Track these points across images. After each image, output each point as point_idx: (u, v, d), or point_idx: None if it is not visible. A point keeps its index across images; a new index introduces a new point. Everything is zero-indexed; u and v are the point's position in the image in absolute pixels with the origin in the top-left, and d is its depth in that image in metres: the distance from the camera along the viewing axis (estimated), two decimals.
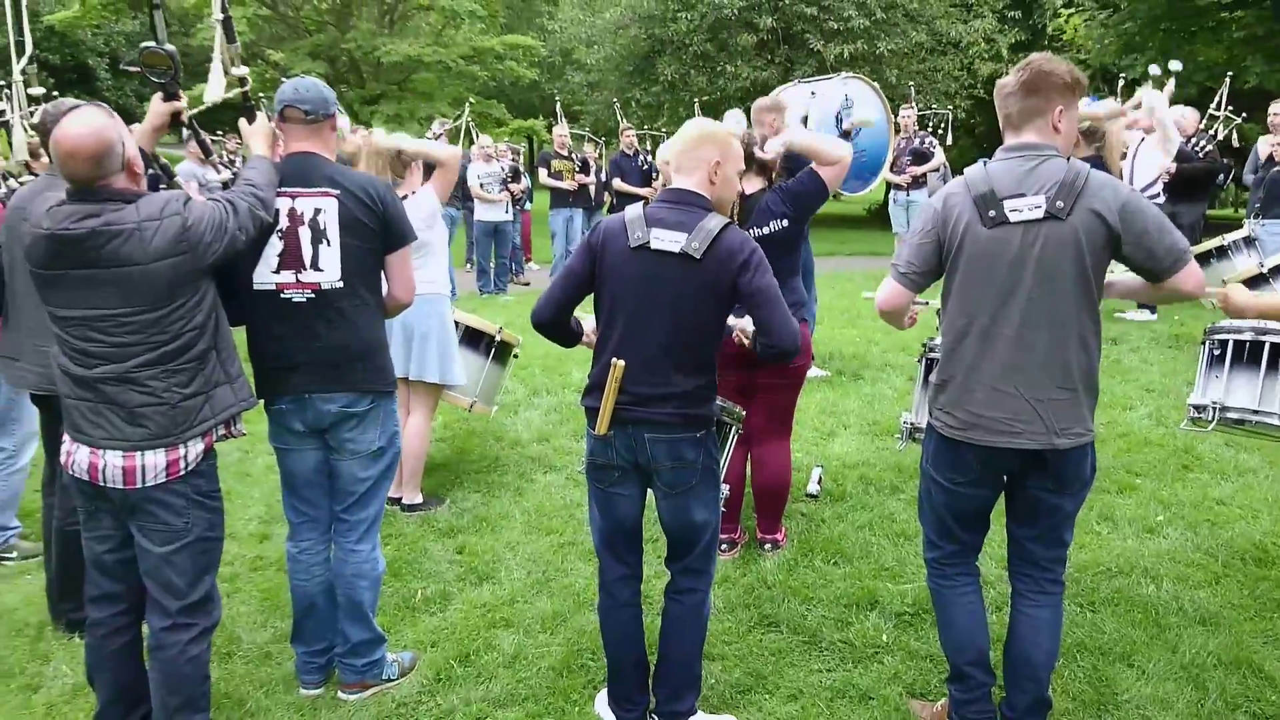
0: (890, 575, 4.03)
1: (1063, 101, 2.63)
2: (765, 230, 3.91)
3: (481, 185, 11.65)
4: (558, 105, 15.57)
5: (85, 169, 2.56)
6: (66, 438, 2.74)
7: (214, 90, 3.30)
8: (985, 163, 2.70)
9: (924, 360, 3.86)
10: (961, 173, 2.76)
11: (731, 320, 2.98)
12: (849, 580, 3.98)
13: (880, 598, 3.81)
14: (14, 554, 4.43)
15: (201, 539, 2.80)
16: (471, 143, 13.07)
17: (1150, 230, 2.54)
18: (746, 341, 3.02)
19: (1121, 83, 12.64)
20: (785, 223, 3.91)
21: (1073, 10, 18.60)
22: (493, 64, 25.42)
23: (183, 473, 2.70)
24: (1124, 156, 7.54)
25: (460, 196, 12.55)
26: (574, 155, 12.64)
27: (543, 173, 12.26)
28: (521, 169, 13.42)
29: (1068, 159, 2.61)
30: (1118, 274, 2.79)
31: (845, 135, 6.55)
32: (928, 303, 3.16)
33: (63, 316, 2.62)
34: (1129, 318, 8.69)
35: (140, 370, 2.62)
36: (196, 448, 2.72)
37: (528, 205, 13.82)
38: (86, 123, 2.57)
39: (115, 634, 2.89)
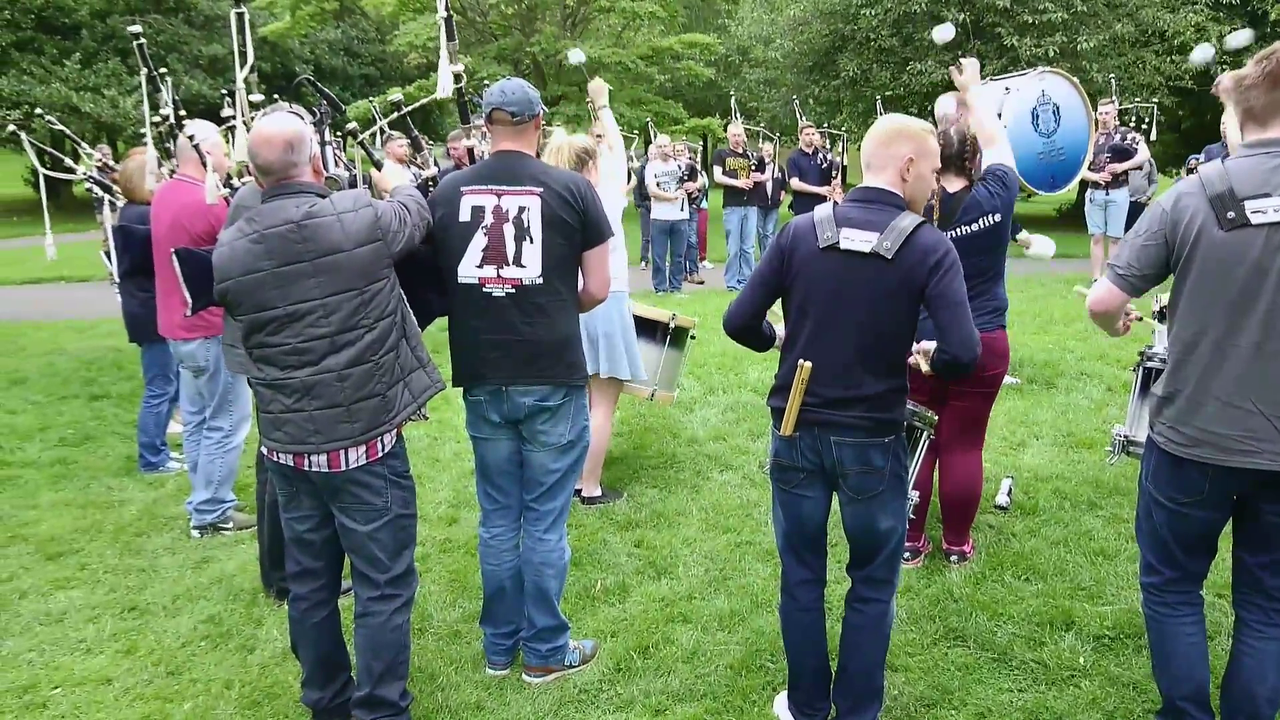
0: (1087, 595, 3.81)
1: None
2: (975, 227, 3.78)
3: (658, 184, 11.76)
4: (733, 102, 15.54)
5: (277, 154, 2.75)
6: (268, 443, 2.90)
7: (444, 85, 3.49)
8: (1224, 160, 2.50)
9: (1140, 370, 3.62)
10: (1165, 171, 2.56)
11: (915, 345, 2.89)
12: (1042, 598, 3.79)
13: (1076, 618, 3.61)
14: (230, 525, 4.80)
15: (400, 516, 2.95)
16: (649, 142, 13.22)
17: None
18: (925, 367, 2.92)
19: None
20: (997, 218, 3.77)
21: None
22: (670, 64, 25.63)
23: (380, 455, 2.85)
24: None
25: (638, 195, 12.75)
26: (749, 153, 12.57)
27: (718, 170, 12.25)
28: (698, 167, 13.46)
29: None
30: None
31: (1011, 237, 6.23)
32: (1142, 318, 2.96)
33: (274, 318, 2.74)
34: None
35: (353, 366, 2.76)
36: (394, 433, 2.88)
37: (703, 203, 13.86)
38: (281, 118, 2.83)
39: (315, 608, 3.07)
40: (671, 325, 5.20)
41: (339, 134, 3.63)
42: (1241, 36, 4.84)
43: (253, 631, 3.80)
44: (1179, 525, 2.65)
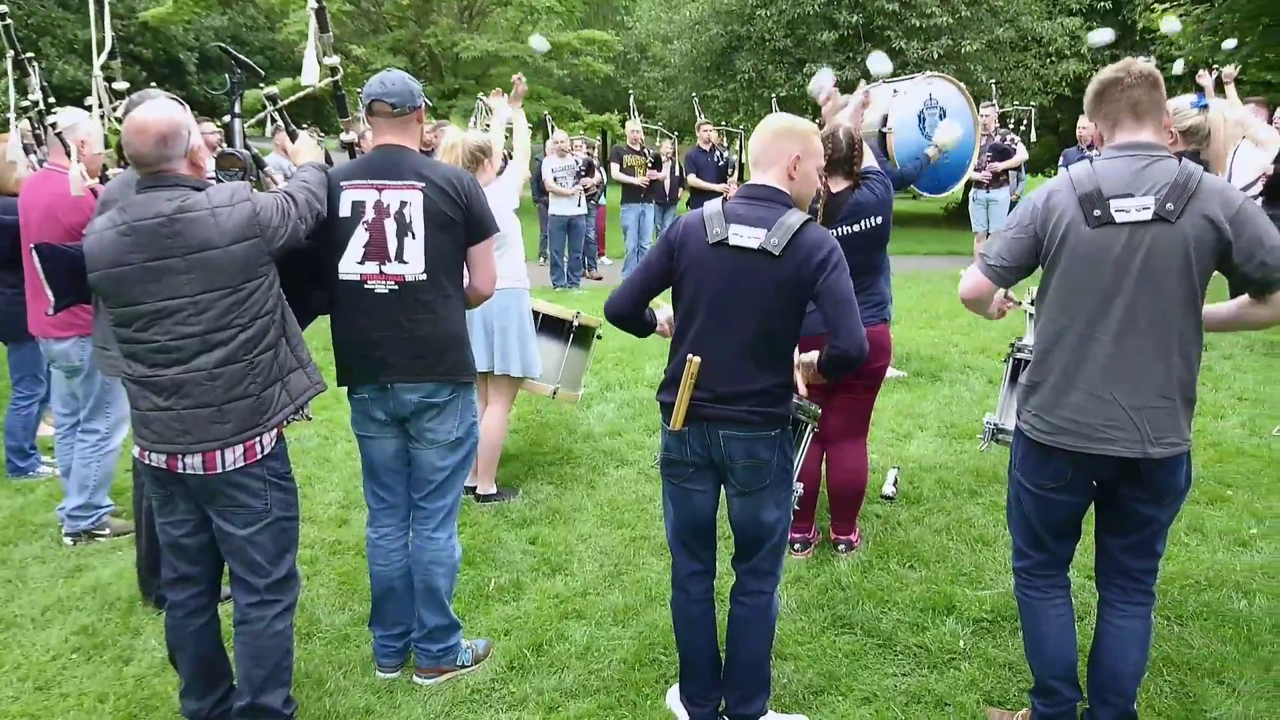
0: (968, 581, 3.95)
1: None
2: (859, 227, 3.88)
3: (555, 179, 11.71)
4: (631, 100, 15.59)
5: (152, 146, 2.64)
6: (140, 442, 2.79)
7: (309, 75, 3.39)
8: (1092, 160, 2.61)
9: (1011, 361, 3.77)
10: (1043, 171, 2.68)
11: (798, 357, 2.96)
12: (925, 584, 3.91)
13: (957, 603, 3.74)
14: (107, 531, 4.60)
15: (280, 519, 2.87)
16: (546, 137, 13.16)
17: (1262, 238, 2.43)
18: (802, 387, 3.00)
19: (1214, 77, 12.17)
20: (879, 220, 3.88)
21: (1166, 6, 17.98)
22: (569, 60, 25.55)
23: (259, 457, 2.77)
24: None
25: (535, 190, 12.68)
26: (646, 150, 12.64)
27: (615, 168, 12.29)
28: (595, 163, 13.47)
29: (1179, 160, 2.51)
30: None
31: (925, 161, 6.46)
32: (1020, 303, 3.08)
33: (141, 314, 2.64)
34: None
35: (225, 366, 2.67)
36: (273, 434, 2.80)
37: (601, 200, 13.87)
38: (157, 106, 2.71)
39: (193, 615, 2.97)
40: (575, 324, 5.18)
41: (221, 125, 3.49)
42: (1103, 35, 5.10)
43: (129, 642, 3.65)
44: (1046, 511, 2.76)
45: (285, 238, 2.76)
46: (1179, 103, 3.16)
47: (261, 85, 4.09)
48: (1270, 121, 8.71)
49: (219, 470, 2.72)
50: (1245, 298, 2.61)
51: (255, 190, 2.79)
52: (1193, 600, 3.76)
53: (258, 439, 2.76)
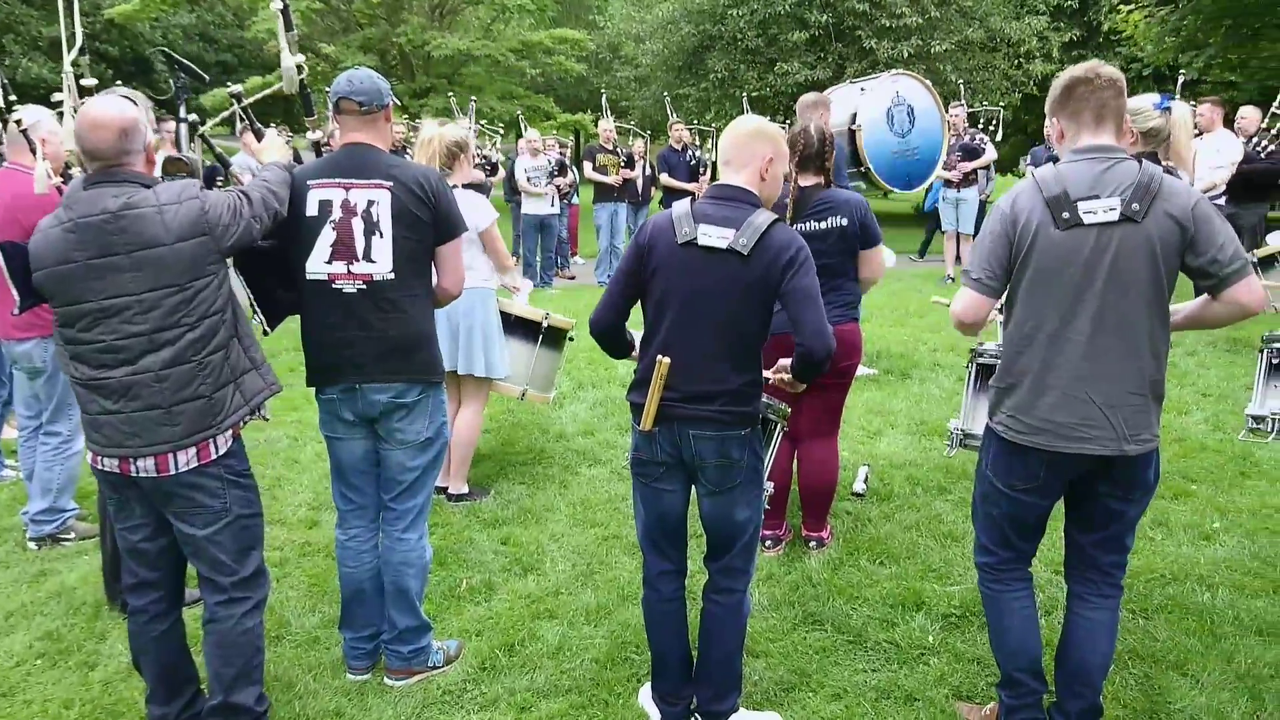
0: (937, 576, 3.99)
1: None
2: (824, 225, 3.90)
3: (528, 179, 11.69)
4: (604, 100, 15.58)
5: (108, 140, 2.60)
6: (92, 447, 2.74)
7: (290, 82, 3.37)
8: (1056, 163, 2.64)
9: (973, 365, 3.79)
10: (1012, 170, 2.70)
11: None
12: (895, 580, 3.94)
13: (926, 599, 3.77)
14: (72, 535, 4.54)
15: (241, 516, 2.82)
16: (519, 136, 13.13)
17: (1215, 236, 2.48)
18: (782, 384, 3.03)
19: (1180, 81, 12.35)
20: (844, 221, 3.90)
21: (1132, 7, 18.22)
22: (541, 58, 25.49)
23: (214, 457, 2.73)
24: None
25: (508, 189, 12.64)
26: (619, 150, 12.64)
27: (587, 167, 12.28)
28: (568, 163, 13.45)
29: (1140, 161, 2.55)
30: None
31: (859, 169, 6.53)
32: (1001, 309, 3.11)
33: (85, 313, 2.59)
34: None
35: (173, 367, 2.62)
36: (228, 435, 2.76)
37: (574, 199, 13.86)
38: (114, 101, 2.68)
39: (155, 620, 2.93)
40: (545, 325, 5.16)
41: (184, 121, 3.45)
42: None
43: (95, 647, 3.60)
44: (1016, 510, 2.79)
45: (236, 237, 2.71)
46: (1141, 103, 3.20)
47: (227, 83, 4.06)
48: (1230, 123, 8.85)
49: (172, 472, 2.67)
50: (1204, 297, 2.65)
51: (207, 190, 2.75)
52: (1157, 594, 3.81)
53: (211, 441, 2.71)
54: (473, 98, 17.50)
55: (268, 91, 3.45)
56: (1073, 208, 2.52)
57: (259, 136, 3.33)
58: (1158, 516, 4.51)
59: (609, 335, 2.96)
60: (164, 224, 2.59)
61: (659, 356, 2.74)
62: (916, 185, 8.91)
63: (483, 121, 17.33)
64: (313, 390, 3.19)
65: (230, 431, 2.77)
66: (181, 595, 3.01)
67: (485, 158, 12.32)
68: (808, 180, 4.00)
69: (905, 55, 18.66)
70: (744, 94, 18.17)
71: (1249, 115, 8.96)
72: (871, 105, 8.03)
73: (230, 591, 2.85)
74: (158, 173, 3.01)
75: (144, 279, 2.58)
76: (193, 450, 2.68)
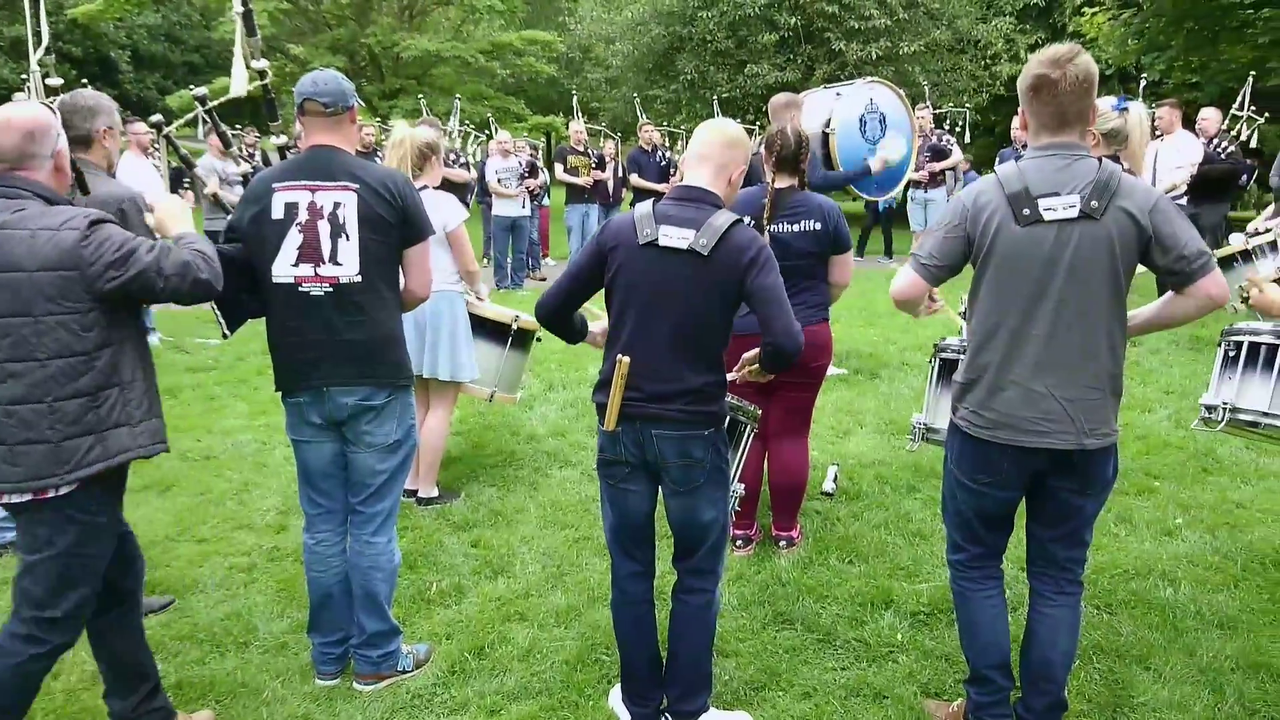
0: (906, 575, 4.02)
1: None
2: (798, 227, 3.93)
3: (499, 180, 11.66)
4: (575, 101, 15.59)
5: (12, 141, 2.50)
6: None
7: (238, 84, 3.33)
8: (1018, 160, 2.67)
9: (936, 361, 3.84)
10: (979, 170, 2.73)
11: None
12: (864, 579, 3.97)
13: (895, 597, 3.80)
14: None
15: (69, 554, 2.59)
16: (490, 138, 13.10)
17: (1179, 233, 2.51)
18: (742, 371, 3.05)
19: (1143, 83, 12.54)
20: (818, 225, 3.93)
21: (1096, 9, 18.47)
22: (511, 60, 25.45)
23: (51, 497, 2.53)
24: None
25: (479, 191, 12.61)
26: (590, 151, 12.65)
27: (559, 168, 12.28)
28: (539, 164, 13.44)
29: (1099, 160, 2.58)
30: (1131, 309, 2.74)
31: (866, 172, 6.62)
32: (944, 303, 3.15)
33: None
34: None
35: (19, 404, 2.46)
36: (72, 486, 2.54)
37: (545, 201, 13.84)
38: (31, 105, 2.59)
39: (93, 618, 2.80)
40: (514, 327, 5.15)
41: (152, 125, 3.41)
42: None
43: None
44: (981, 504, 2.82)
45: (119, 284, 2.47)
46: (1101, 105, 3.24)
47: (192, 86, 4.03)
48: (1191, 124, 8.99)
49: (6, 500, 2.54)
50: (1169, 295, 2.69)
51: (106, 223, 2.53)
52: (1121, 589, 3.86)
53: (53, 489, 2.51)
54: (457, 97, 17.44)
55: (229, 97, 3.42)
56: (1033, 204, 2.55)
57: (224, 139, 3.30)
58: (1121, 513, 4.57)
59: (553, 323, 2.98)
60: (31, 249, 2.43)
61: (619, 356, 2.75)
62: (889, 190, 9.02)
63: (468, 122, 17.30)
64: (280, 394, 3.16)
65: (77, 484, 2.54)
66: (116, 598, 2.87)
67: (456, 155, 12.29)
68: (783, 182, 4.02)
69: (874, 57, 18.82)
70: (714, 95, 18.25)
71: (1209, 117, 9.11)
72: (845, 111, 8.11)
73: (31, 627, 2.61)
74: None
75: (4, 301, 2.43)
76: (27, 496, 2.51)
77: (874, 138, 8.25)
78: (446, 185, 8.51)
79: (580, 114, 14.46)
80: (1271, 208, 7.64)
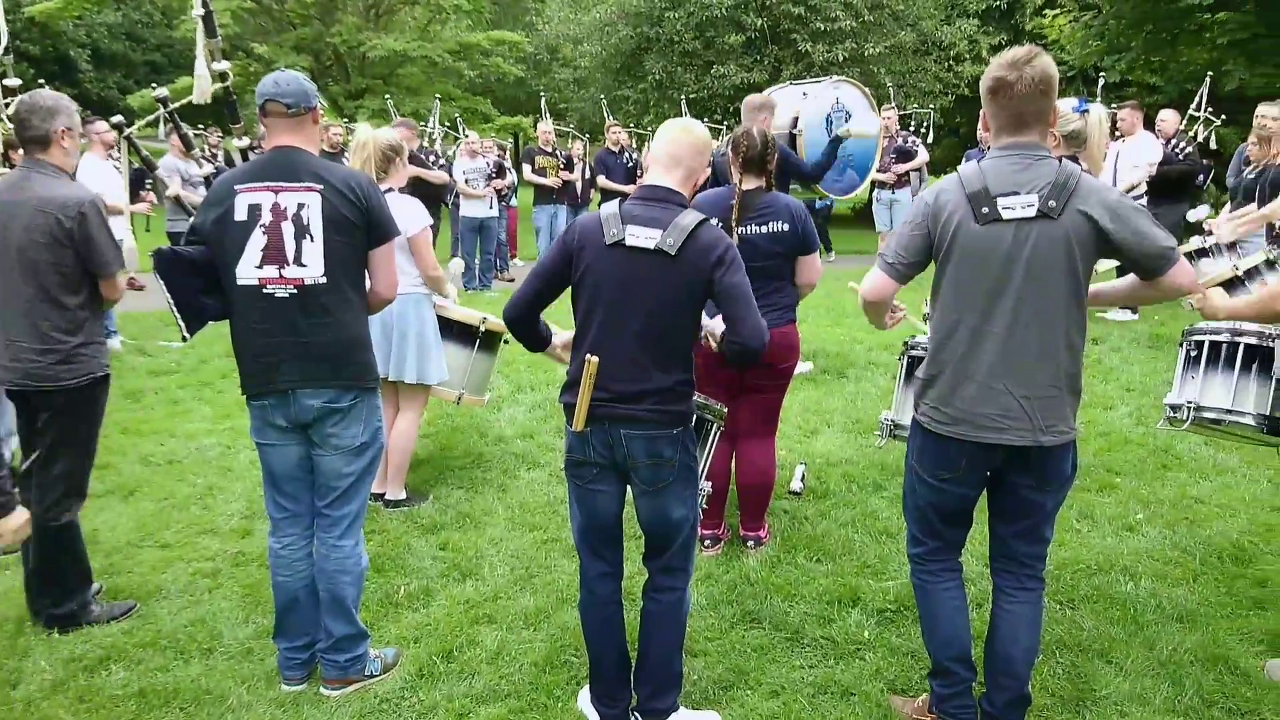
0: (872, 573, 4.05)
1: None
2: (766, 229, 3.94)
3: (467, 181, 11.61)
4: (543, 102, 15.55)
5: None
6: None
7: (201, 89, 3.29)
8: (979, 160, 2.71)
9: (905, 358, 3.88)
10: (939, 173, 2.76)
11: (705, 321, 3.00)
12: (831, 577, 4.00)
13: (862, 595, 3.83)
14: None
15: None
16: (458, 138, 13.04)
17: (1142, 230, 2.55)
18: (714, 344, 3.05)
19: (1101, 83, 12.71)
20: (785, 226, 3.95)
21: (1057, 11, 18.70)
22: (479, 60, 25.34)
23: None
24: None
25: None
26: (558, 152, 12.63)
27: (527, 169, 12.24)
28: (507, 165, 13.40)
29: (1059, 161, 2.62)
30: (1102, 282, 2.80)
31: (836, 141, 6.62)
32: (906, 311, 3.19)
33: None
34: (1110, 317, 8.75)
35: None
36: None
37: (513, 201, 13.80)
38: None
39: None
40: (482, 329, 5.12)
41: (113, 125, 3.37)
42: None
43: (17, 664, 3.49)
44: (940, 499, 2.86)
45: None
46: (1061, 107, 3.29)
47: (154, 85, 3.98)
48: (1151, 125, 9.14)
49: None
50: (1135, 279, 2.73)
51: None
52: (1084, 584, 3.92)
53: None
54: (436, 97, 17.30)
55: (191, 100, 3.38)
56: (992, 203, 2.59)
57: (185, 140, 3.27)
58: (1084, 509, 4.63)
59: (521, 326, 2.96)
60: None
61: (588, 356, 2.75)
62: (850, 191, 9.10)
63: (447, 123, 17.19)
64: (244, 396, 3.13)
65: None
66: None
67: (435, 156, 12.22)
68: (750, 183, 4.03)
69: (840, 59, 18.95)
70: (682, 96, 18.28)
71: (1168, 118, 9.26)
72: (812, 111, 8.17)
73: None
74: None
75: None
76: None
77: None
78: (424, 186, 8.39)
79: (548, 115, 14.43)
80: (1228, 207, 7.78)
